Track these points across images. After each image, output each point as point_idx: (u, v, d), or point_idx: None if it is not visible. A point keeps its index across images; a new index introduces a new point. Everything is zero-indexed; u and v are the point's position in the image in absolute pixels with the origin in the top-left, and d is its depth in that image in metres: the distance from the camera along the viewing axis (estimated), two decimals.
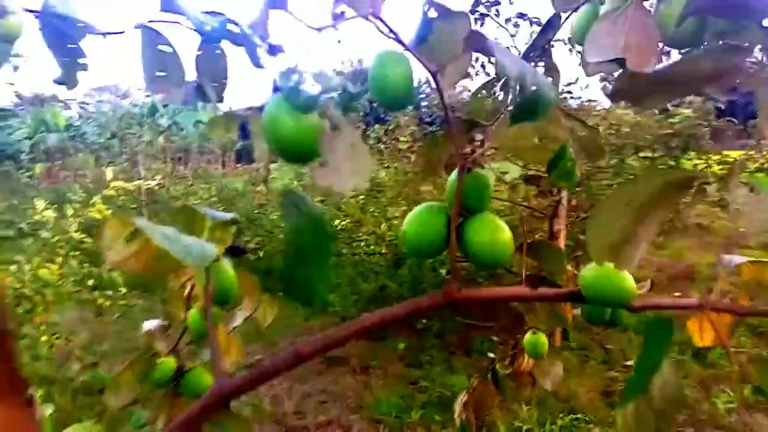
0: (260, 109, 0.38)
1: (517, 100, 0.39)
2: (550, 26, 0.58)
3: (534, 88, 0.38)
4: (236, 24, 0.49)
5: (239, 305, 0.70)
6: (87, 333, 5.24)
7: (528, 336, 0.80)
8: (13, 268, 3.62)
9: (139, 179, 6.57)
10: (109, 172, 5.46)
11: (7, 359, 0.37)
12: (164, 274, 0.60)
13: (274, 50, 0.40)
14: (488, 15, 4.29)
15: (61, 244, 3.66)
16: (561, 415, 3.72)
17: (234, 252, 0.57)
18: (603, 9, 0.54)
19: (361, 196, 6.51)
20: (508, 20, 4.53)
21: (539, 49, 0.57)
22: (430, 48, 0.42)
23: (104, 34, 0.57)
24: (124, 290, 4.08)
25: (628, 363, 4.42)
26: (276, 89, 0.38)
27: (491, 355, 0.86)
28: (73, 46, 0.57)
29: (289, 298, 0.42)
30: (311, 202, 0.40)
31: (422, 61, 0.43)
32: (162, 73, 0.59)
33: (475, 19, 6.61)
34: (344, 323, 0.49)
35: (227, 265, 0.60)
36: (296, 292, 0.40)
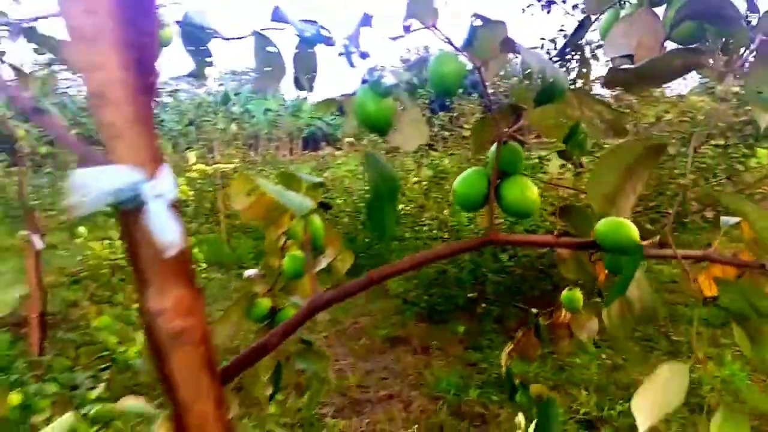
0: (351, 95, 0.55)
1: (539, 89, 0.53)
2: (582, 27, 0.70)
3: (552, 79, 0.51)
4: (328, 31, 0.66)
5: (323, 254, 0.87)
6: None
7: (565, 292, 0.93)
8: (107, 242, 4.03)
9: (216, 163, 7.00)
10: (192, 156, 5.89)
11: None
12: (272, 221, 0.77)
13: (364, 55, 0.57)
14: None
15: None
16: (620, 401, 3.74)
17: (324, 206, 0.73)
18: (623, 13, 0.66)
19: (425, 183, 6.64)
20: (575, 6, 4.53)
21: (573, 46, 0.69)
22: (476, 49, 0.56)
23: (228, 39, 0.75)
24: (204, 265, 4.43)
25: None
26: (364, 81, 0.54)
27: (534, 310, 0.99)
28: (203, 48, 0.75)
29: (369, 229, 0.58)
30: (383, 161, 0.56)
31: (470, 59, 0.58)
32: (268, 69, 0.76)
33: (542, 6, 6.60)
34: (409, 256, 0.64)
35: (317, 218, 0.77)
36: (374, 226, 0.56)
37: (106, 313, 3.50)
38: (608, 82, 0.51)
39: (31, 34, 0.94)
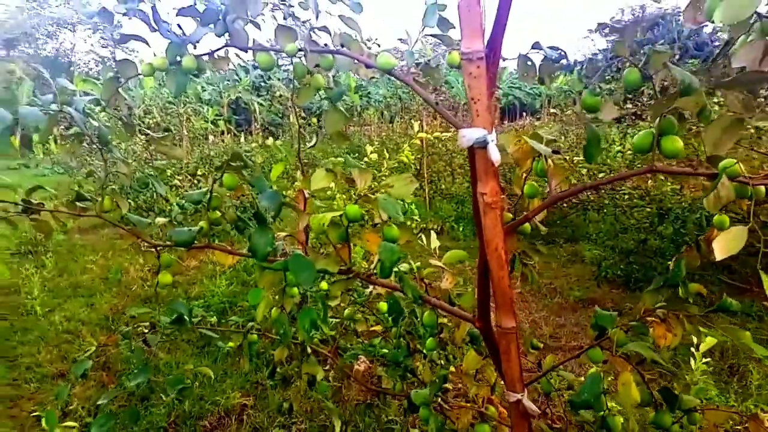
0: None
1: (683, 87, 1.01)
2: (728, 44, 1.12)
3: (688, 81, 1.00)
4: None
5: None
6: None
7: (716, 216, 1.35)
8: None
9: (436, 132, 7.83)
10: (416, 125, 6.75)
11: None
12: (523, 161, 1.35)
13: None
14: None
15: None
16: None
17: (555, 152, 1.30)
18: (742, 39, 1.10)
19: (629, 152, 6.68)
20: None
21: (723, 57, 1.10)
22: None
23: None
24: (418, 218, 5.23)
25: None
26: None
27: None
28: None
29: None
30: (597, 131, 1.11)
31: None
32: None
33: None
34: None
35: (549, 161, 1.34)
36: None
37: None
38: (735, 80, 0.98)
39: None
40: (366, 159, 4.98)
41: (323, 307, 1.54)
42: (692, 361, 2.35)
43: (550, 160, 1.35)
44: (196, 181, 8.69)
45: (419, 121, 8.34)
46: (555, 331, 5.19)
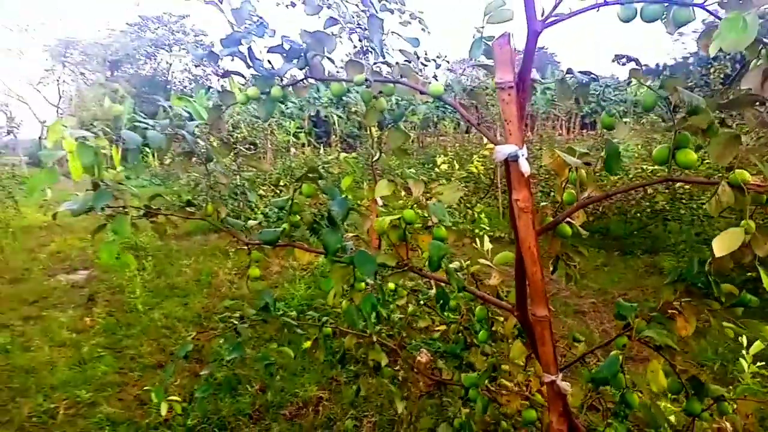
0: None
1: (689, 109, 1.17)
2: (744, 67, 1.25)
3: (696, 104, 1.16)
4: None
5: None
6: None
7: (742, 221, 1.47)
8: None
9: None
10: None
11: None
12: (560, 171, 1.54)
13: None
14: None
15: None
16: None
17: (587, 164, 1.48)
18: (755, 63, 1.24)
19: (707, 162, 6.50)
20: None
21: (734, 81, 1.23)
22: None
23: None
24: (487, 227, 5.38)
25: None
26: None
27: None
28: None
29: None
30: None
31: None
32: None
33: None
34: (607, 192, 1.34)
35: (583, 172, 1.52)
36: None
37: None
38: (732, 102, 1.12)
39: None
40: (437, 169, 5.20)
41: (382, 294, 1.78)
42: (743, 363, 2.37)
43: (582, 171, 1.53)
44: (278, 191, 9.25)
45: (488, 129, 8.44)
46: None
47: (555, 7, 1.22)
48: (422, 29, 5.07)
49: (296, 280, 6.54)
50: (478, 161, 5.31)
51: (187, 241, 9.43)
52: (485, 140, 6.99)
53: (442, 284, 1.62)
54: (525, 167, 1.28)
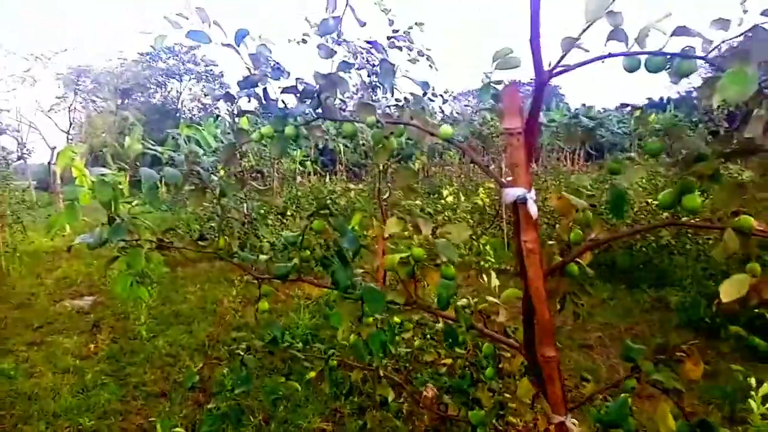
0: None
1: (693, 155, 1.21)
2: (747, 118, 1.31)
3: (702, 151, 1.20)
4: None
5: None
6: None
7: (749, 265, 1.49)
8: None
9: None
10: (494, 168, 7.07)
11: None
12: (565, 212, 1.57)
13: None
14: None
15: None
16: None
17: (592, 206, 1.51)
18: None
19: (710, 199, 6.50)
20: None
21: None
22: None
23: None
24: (492, 259, 5.41)
25: None
26: None
27: None
28: None
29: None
30: None
31: None
32: None
33: None
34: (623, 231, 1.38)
35: (590, 213, 1.55)
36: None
37: None
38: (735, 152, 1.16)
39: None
40: (443, 201, 5.25)
41: (390, 331, 1.79)
42: (753, 404, 2.36)
43: (588, 213, 1.56)
44: (285, 221, 9.30)
45: (498, 165, 8.52)
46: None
47: (561, 59, 1.27)
48: (429, 66, 5.19)
49: (301, 309, 6.54)
50: (483, 193, 5.35)
51: (193, 268, 9.46)
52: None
53: (450, 321, 1.64)
54: (533, 210, 1.31)
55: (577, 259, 1.64)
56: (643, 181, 7.54)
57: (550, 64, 1.30)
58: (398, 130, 1.64)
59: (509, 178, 1.38)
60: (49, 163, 27.94)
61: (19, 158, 26.85)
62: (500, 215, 9.81)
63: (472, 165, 23.55)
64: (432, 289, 1.46)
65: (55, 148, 28.40)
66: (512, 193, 1.32)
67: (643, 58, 1.30)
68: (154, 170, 1.71)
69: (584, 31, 1.25)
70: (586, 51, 1.27)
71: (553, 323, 1.41)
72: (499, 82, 1.66)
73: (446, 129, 1.51)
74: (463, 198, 5.40)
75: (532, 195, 1.33)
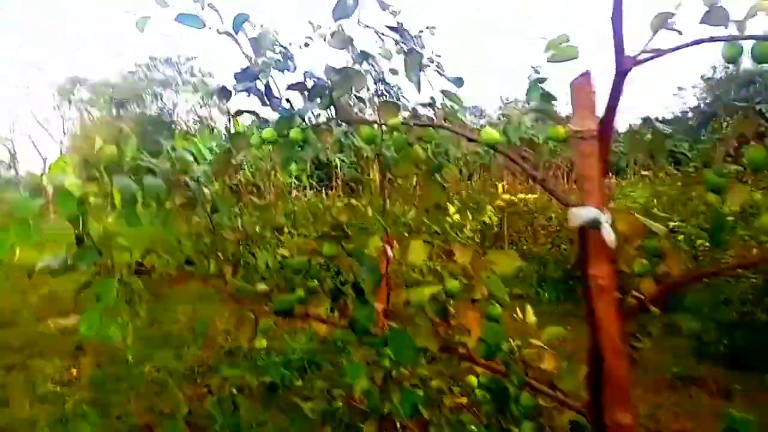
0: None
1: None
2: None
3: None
4: None
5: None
6: None
7: None
8: None
9: (520, 194, 7.74)
10: (500, 187, 6.74)
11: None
12: (635, 239, 1.28)
13: None
14: None
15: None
16: None
17: (672, 231, 1.22)
18: None
19: (730, 217, 6.23)
20: None
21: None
22: None
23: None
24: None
25: None
26: None
27: None
28: None
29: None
30: None
31: None
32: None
33: None
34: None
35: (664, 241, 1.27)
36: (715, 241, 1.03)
37: None
38: None
39: None
40: (449, 219, 4.96)
41: (424, 390, 1.49)
42: None
43: (665, 240, 1.27)
44: (282, 238, 8.95)
45: (503, 183, 8.28)
46: (653, 411, 4.76)
47: (650, 40, 0.99)
48: (439, 73, 4.91)
49: (296, 331, 6.19)
50: (491, 212, 5.08)
51: (184, 284, 9.10)
52: (498, 190, 6.79)
53: (497, 373, 1.33)
54: (609, 237, 1.02)
55: (642, 296, 1.34)
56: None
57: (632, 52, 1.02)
58: (427, 135, 1.35)
59: (573, 196, 1.09)
60: (41, 174, 27.54)
61: (9, 168, 26.51)
62: (501, 233, 9.52)
63: (469, 181, 23.29)
64: (473, 335, 1.16)
65: (46, 158, 28.08)
66: (583, 216, 1.03)
67: (746, 45, 1.03)
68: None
69: (678, 5, 0.98)
70: (680, 33, 0.99)
71: (629, 381, 1.11)
72: (543, 80, 1.38)
73: (490, 133, 1.22)
74: (470, 216, 5.12)
75: (607, 218, 1.04)
